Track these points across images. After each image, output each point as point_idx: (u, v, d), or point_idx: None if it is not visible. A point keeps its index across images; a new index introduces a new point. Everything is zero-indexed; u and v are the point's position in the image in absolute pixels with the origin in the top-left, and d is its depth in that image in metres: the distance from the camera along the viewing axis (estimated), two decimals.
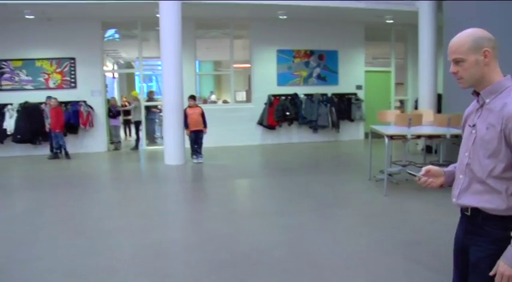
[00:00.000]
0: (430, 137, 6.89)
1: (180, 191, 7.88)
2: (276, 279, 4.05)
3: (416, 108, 12.36)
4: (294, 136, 13.27)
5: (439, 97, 11.06)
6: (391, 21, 12.66)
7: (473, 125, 2.19)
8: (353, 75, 13.59)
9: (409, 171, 2.55)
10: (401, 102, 14.83)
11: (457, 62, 2.14)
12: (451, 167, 2.42)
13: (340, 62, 13.40)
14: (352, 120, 13.62)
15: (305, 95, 13.01)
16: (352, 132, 13.78)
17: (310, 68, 13.16)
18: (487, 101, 2.13)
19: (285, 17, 11.87)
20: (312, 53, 13.08)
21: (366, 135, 13.77)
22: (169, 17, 9.53)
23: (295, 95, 12.95)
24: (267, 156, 11.46)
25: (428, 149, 10.60)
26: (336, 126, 13.29)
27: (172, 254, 4.70)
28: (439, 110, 10.60)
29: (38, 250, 4.72)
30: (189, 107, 9.98)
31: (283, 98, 12.89)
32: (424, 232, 5.32)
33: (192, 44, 12.20)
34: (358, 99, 13.57)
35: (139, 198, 7.16)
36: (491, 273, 2.08)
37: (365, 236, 5.24)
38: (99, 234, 5.24)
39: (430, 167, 2.42)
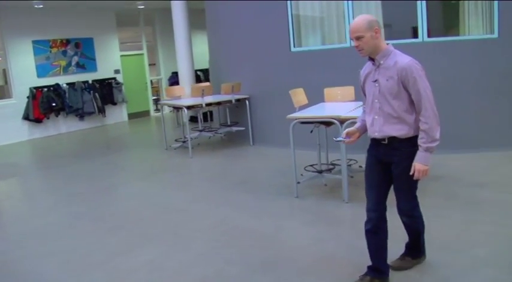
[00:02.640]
0: (218, 103, 8.36)
1: None
2: (151, 225, 5.03)
3: (172, 85, 13.81)
4: (61, 127, 13.21)
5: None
6: (142, 6, 13.73)
7: (376, 80, 2.97)
8: (110, 60, 14.21)
9: (335, 139, 3.35)
10: (152, 82, 16.03)
11: (358, 38, 2.88)
12: (359, 123, 3.26)
13: (97, 49, 13.83)
14: (115, 104, 14.31)
15: (67, 84, 13.08)
16: (117, 115, 14.48)
17: (69, 56, 13.22)
18: (382, 62, 2.93)
19: (41, 6, 11.68)
20: (68, 41, 13.14)
21: (129, 116, 14.72)
22: None
23: (57, 85, 12.90)
24: (47, 149, 11.23)
25: (193, 119, 12.25)
26: (102, 111, 13.78)
27: (59, 234, 5.06)
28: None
29: None
30: None
31: (46, 89, 12.70)
32: (240, 175, 6.88)
33: None
34: (118, 83, 14.29)
35: None
36: (410, 173, 2.89)
37: (201, 186, 6.52)
38: None
39: (347, 130, 3.27)
